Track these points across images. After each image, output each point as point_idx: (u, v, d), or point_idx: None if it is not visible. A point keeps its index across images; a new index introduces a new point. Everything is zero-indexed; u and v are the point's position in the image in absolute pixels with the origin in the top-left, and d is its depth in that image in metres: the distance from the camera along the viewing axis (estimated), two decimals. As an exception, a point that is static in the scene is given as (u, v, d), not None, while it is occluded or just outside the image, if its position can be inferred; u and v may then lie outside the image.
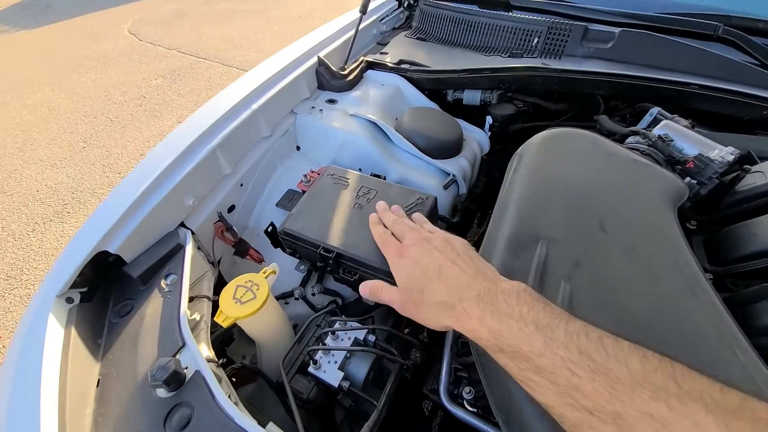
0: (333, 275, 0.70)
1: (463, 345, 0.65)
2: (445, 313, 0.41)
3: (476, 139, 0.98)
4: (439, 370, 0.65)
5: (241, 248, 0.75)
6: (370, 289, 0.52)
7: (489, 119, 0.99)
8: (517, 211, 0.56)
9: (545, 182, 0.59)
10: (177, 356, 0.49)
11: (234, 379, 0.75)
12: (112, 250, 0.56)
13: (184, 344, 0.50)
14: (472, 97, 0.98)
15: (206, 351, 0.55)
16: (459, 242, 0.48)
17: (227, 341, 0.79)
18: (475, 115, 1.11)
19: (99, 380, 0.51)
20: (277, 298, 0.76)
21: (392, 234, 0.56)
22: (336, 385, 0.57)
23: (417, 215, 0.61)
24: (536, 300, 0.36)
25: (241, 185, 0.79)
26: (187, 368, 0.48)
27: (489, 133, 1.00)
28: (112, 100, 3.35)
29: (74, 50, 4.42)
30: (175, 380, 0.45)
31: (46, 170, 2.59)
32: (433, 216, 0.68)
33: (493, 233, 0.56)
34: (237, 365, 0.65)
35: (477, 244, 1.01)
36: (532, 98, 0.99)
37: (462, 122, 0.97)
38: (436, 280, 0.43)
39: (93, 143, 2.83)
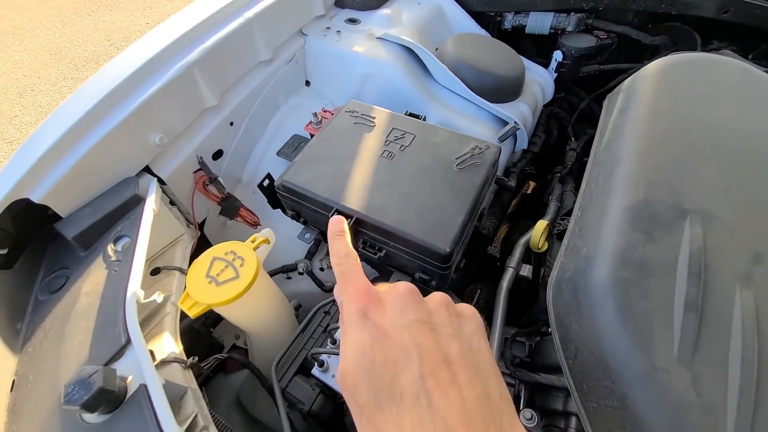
0: (348, 249, 0.52)
1: (522, 362, 0.47)
2: None
3: (538, 80, 0.75)
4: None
5: (230, 207, 0.57)
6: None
7: (557, 55, 0.75)
8: (641, 167, 0.36)
9: (683, 127, 0.38)
10: (114, 362, 0.33)
11: (221, 369, 0.60)
12: (35, 199, 0.39)
13: (128, 341, 0.34)
14: (539, 22, 0.74)
15: (171, 345, 0.39)
16: (470, 322, 0.24)
17: (215, 320, 0.64)
18: (532, 52, 0.87)
19: (14, 382, 0.36)
20: (277, 272, 0.60)
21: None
22: (348, 396, 0.41)
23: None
24: None
25: (232, 124, 0.60)
26: (130, 379, 0.32)
27: (555, 75, 0.77)
28: (114, 45, 3.14)
29: (77, -9, 4.15)
30: (104, 401, 0.29)
31: (45, 117, 2.45)
32: (492, 174, 0.48)
33: (599, 199, 0.36)
34: (222, 355, 0.49)
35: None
36: (620, 27, 0.74)
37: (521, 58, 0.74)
38: (406, 396, 0.20)
39: (94, 91, 2.66)
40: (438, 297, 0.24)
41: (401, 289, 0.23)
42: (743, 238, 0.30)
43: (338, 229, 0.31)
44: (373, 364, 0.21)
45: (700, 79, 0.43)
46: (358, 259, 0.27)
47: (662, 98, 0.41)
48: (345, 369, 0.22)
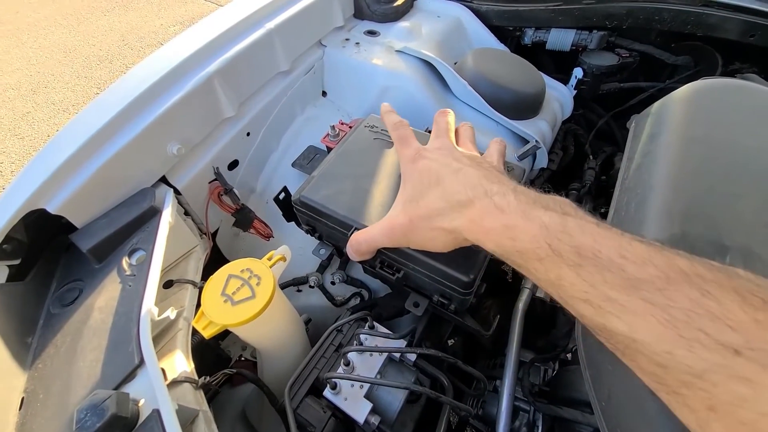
0: (365, 266, 0.51)
1: (538, 390, 0.45)
2: (452, 213, 0.31)
3: (558, 98, 0.74)
4: (494, 401, 0.48)
5: (244, 218, 0.56)
6: (357, 247, 0.41)
7: (578, 72, 0.74)
8: (676, 197, 0.34)
9: (718, 156, 0.37)
10: (127, 383, 0.32)
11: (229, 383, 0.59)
12: (51, 210, 0.39)
13: (141, 362, 0.33)
14: (560, 38, 0.73)
15: (182, 363, 0.38)
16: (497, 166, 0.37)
17: (223, 333, 0.63)
18: (551, 68, 0.86)
19: (23, 400, 0.35)
20: (288, 284, 0.59)
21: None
22: (361, 421, 0.40)
23: (466, 126, 0.44)
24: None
25: (248, 134, 0.59)
26: (142, 402, 0.31)
27: (575, 92, 0.76)
28: (128, 46, 3.18)
29: (94, -10, 4.22)
30: (117, 427, 0.28)
31: (58, 114, 2.48)
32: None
33: (630, 230, 0.35)
34: (230, 370, 0.48)
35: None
36: (642, 46, 0.73)
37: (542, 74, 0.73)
38: (450, 178, 0.33)
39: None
40: (472, 154, 0.37)
41: (440, 145, 0.37)
42: (788, 280, 0.29)
43: (387, 108, 0.47)
44: (421, 179, 0.35)
45: (733, 106, 0.42)
46: (409, 126, 0.43)
47: (695, 125, 0.40)
48: (404, 198, 0.36)
